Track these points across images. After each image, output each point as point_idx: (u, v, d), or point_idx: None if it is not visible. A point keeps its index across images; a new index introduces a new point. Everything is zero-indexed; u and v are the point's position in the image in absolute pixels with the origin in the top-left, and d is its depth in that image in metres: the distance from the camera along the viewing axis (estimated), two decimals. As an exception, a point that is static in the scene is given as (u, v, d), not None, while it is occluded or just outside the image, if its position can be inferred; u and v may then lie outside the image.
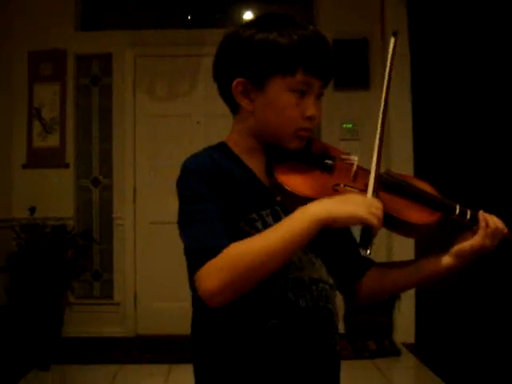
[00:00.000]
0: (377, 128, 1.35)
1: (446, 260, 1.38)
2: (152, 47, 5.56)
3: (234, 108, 1.40)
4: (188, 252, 1.24)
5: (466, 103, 3.97)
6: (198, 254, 1.19)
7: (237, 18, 5.67)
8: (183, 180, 1.31)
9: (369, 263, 1.49)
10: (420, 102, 4.98)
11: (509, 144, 3.19)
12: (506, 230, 1.36)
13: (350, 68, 5.30)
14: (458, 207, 1.37)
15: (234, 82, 1.33)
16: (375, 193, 1.25)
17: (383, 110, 1.35)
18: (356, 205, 1.17)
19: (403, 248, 4.44)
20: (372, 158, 1.32)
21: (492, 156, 3.55)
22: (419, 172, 4.73)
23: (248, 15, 5.72)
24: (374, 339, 5.00)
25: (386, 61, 1.37)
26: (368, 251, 1.18)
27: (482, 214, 1.36)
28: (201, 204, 1.25)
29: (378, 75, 5.34)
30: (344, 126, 5.37)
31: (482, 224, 1.34)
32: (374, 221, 1.16)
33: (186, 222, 1.26)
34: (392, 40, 1.37)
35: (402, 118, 5.12)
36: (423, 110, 4.92)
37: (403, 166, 4.85)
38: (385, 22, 5.32)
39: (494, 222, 1.35)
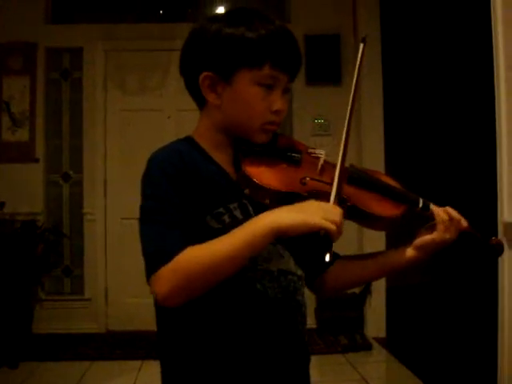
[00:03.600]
0: (344, 128, 1.36)
1: (409, 252, 1.42)
2: (123, 41, 5.51)
3: (201, 102, 1.40)
4: (144, 253, 1.24)
5: (436, 99, 4.00)
6: (152, 257, 1.20)
7: (209, 13, 5.63)
8: (147, 175, 1.31)
9: (333, 257, 1.50)
10: (391, 98, 5.01)
11: (477, 144, 3.23)
12: (465, 224, 1.39)
13: (321, 64, 5.31)
14: (421, 201, 1.41)
15: (201, 76, 1.34)
16: (337, 198, 1.24)
17: (349, 116, 1.36)
18: (310, 212, 1.17)
19: (374, 242, 4.46)
20: (337, 159, 1.32)
21: (459, 153, 3.59)
22: (390, 169, 4.76)
23: (220, 10, 5.69)
24: (346, 334, 5.03)
25: (356, 62, 1.39)
26: (327, 258, 1.16)
27: (435, 209, 1.40)
28: (160, 203, 1.25)
29: (350, 71, 5.35)
30: (316, 121, 5.37)
31: (438, 218, 1.38)
32: (329, 225, 1.15)
33: (144, 220, 1.26)
34: (361, 45, 1.40)
35: (373, 116, 5.15)
36: (394, 107, 4.94)
37: (374, 163, 4.88)
38: (357, 17, 5.34)
39: (449, 213, 1.38)
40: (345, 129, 1.36)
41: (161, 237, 1.21)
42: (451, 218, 1.38)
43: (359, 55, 1.39)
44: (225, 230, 1.26)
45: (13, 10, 5.33)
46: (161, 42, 5.41)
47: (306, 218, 1.16)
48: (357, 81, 1.38)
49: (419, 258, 1.42)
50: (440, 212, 1.39)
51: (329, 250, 1.16)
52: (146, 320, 4.83)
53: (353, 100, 1.37)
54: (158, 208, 1.25)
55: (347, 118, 1.37)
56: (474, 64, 3.21)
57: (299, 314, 1.39)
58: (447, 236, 1.38)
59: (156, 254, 1.19)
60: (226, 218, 1.29)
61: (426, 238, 1.40)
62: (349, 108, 1.37)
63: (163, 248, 1.19)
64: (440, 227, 1.38)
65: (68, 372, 4.37)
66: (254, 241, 1.17)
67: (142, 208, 1.28)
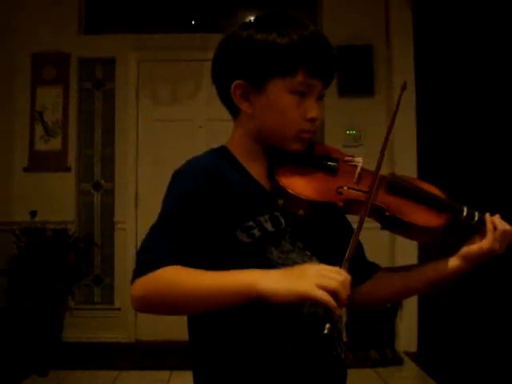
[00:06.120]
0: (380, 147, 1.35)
1: (454, 263, 1.37)
2: (155, 51, 5.54)
3: (234, 111, 1.37)
4: (136, 257, 1.22)
5: (470, 105, 3.94)
6: (141, 263, 1.18)
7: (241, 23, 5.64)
8: (169, 186, 1.29)
9: (372, 270, 1.46)
10: (424, 104, 4.95)
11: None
12: None
13: (354, 74, 5.27)
14: (465, 209, 1.35)
15: (233, 85, 1.30)
16: (346, 262, 1.13)
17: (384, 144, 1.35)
18: (303, 278, 1.06)
19: (406, 251, 4.41)
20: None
21: (495, 157, 3.52)
22: (423, 174, 4.70)
23: (250, 19, 5.68)
24: (377, 348, 4.96)
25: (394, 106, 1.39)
26: (326, 330, 1.06)
27: (488, 217, 1.35)
28: (168, 216, 1.23)
29: (383, 82, 5.31)
30: (348, 132, 5.33)
31: (490, 226, 1.33)
32: (322, 296, 1.03)
33: (153, 228, 1.24)
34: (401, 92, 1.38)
35: (406, 121, 5.08)
36: (427, 112, 4.88)
37: (407, 168, 4.83)
38: (390, 28, 5.30)
39: (502, 224, 1.34)
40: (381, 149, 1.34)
41: (155, 247, 1.19)
42: (505, 230, 1.33)
43: (398, 101, 1.37)
44: (255, 244, 1.24)
45: (46, 20, 5.41)
46: (193, 52, 5.43)
47: (293, 285, 1.06)
48: (392, 122, 1.38)
49: (465, 269, 1.36)
50: (493, 219, 1.34)
51: (327, 321, 1.06)
52: (175, 330, 4.84)
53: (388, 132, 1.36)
54: (164, 219, 1.23)
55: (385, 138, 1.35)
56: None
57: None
58: (496, 246, 1.33)
59: (145, 262, 1.17)
60: (256, 232, 1.25)
61: (472, 247, 1.35)
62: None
63: (153, 257, 1.17)
64: (489, 236, 1.32)
65: (97, 381, 4.39)
66: (227, 294, 1.11)
67: (159, 215, 1.26)
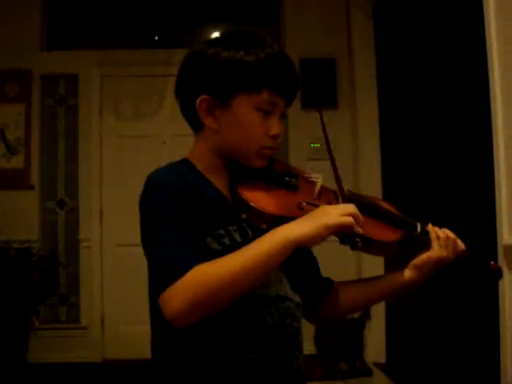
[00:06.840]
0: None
1: (407, 273, 1.44)
2: (119, 67, 5.51)
3: (197, 126, 1.39)
4: (153, 272, 1.23)
5: (434, 124, 3.99)
6: (163, 275, 1.18)
7: (204, 39, 5.64)
8: (147, 195, 1.29)
9: (328, 286, 1.51)
10: (388, 122, 5.00)
11: (475, 168, 3.21)
12: (462, 247, 1.43)
13: (317, 87, 5.31)
14: (419, 225, 1.43)
15: (199, 99, 1.33)
16: (342, 197, 1.29)
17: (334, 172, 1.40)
18: (323, 216, 1.18)
19: (373, 267, 4.42)
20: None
21: (457, 176, 3.57)
22: (387, 191, 4.74)
23: (215, 36, 5.70)
24: (346, 360, 4.97)
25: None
26: (359, 243, 1.20)
27: (431, 227, 1.43)
28: (166, 221, 1.23)
29: (346, 95, 5.36)
30: (312, 145, 5.35)
31: (433, 236, 1.41)
32: (349, 220, 1.18)
33: (152, 240, 1.25)
34: (318, 116, 1.50)
35: (369, 141, 5.12)
36: (391, 130, 4.93)
37: (372, 185, 4.87)
38: (352, 41, 5.36)
39: (444, 232, 1.42)
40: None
41: (171, 254, 1.19)
42: (447, 237, 1.41)
43: (321, 123, 1.47)
44: (224, 251, 1.25)
45: (7, 37, 5.35)
46: (156, 67, 5.41)
47: (321, 222, 1.17)
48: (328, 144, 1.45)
49: (417, 279, 1.43)
50: (435, 229, 1.42)
51: (356, 237, 1.20)
52: (143, 348, 4.79)
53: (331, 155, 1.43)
54: (163, 226, 1.23)
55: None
56: (473, 90, 3.19)
57: (296, 341, 1.37)
58: (443, 254, 1.40)
59: (167, 272, 1.17)
60: (226, 241, 1.28)
61: (422, 257, 1.42)
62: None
63: (174, 266, 1.17)
64: (435, 244, 1.40)
65: (64, 402, 4.31)
66: (269, 257, 1.16)
67: (147, 228, 1.27)
